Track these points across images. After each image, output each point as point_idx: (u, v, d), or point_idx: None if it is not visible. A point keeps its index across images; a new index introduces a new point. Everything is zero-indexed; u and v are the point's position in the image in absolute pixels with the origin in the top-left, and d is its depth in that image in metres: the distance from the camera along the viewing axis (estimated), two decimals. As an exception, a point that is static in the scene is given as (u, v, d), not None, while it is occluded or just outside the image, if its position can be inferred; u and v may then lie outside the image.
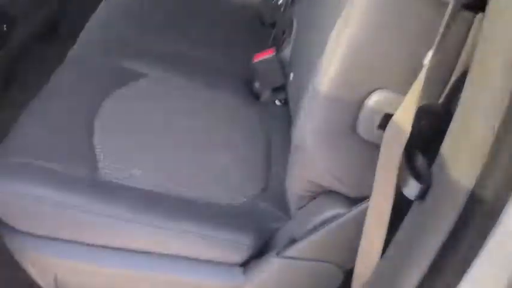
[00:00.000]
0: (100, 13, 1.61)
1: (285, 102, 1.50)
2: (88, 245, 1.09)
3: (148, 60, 1.48)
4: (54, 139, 1.16)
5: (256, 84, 1.55)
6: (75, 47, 1.50)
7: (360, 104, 0.86)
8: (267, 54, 1.44)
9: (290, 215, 1.12)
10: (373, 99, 0.85)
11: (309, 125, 0.91)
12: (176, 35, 1.61)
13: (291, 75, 1.40)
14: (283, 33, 1.60)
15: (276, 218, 1.13)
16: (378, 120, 0.86)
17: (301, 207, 1.06)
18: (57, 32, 2.07)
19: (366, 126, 0.87)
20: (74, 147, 1.15)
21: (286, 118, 1.43)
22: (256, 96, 1.52)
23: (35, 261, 1.12)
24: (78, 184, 1.07)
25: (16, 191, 1.05)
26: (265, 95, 1.52)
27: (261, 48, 1.55)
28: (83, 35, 1.54)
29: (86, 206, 1.05)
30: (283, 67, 1.47)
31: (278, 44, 1.54)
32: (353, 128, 0.88)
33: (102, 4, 1.67)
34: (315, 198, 1.03)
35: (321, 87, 0.86)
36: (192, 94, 1.41)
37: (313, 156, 0.93)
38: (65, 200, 1.04)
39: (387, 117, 0.82)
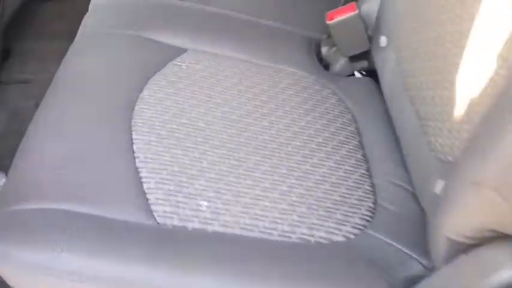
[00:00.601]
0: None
1: (368, 74, 1.16)
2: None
3: (182, 30, 1.13)
4: (81, 166, 0.82)
5: (325, 50, 1.20)
6: (85, 19, 1.14)
7: None
8: (348, 12, 1.07)
9: (418, 254, 0.80)
10: None
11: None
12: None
13: (381, 39, 1.05)
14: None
15: (403, 259, 0.80)
16: None
17: (455, 256, 0.72)
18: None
19: None
20: (110, 177, 0.81)
21: (373, 96, 1.10)
22: (324, 66, 1.18)
23: None
24: (124, 242, 0.73)
25: (29, 260, 0.71)
26: (340, 64, 1.18)
27: (328, 3, 1.19)
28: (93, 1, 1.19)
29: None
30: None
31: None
32: None
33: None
34: (478, 245, 0.69)
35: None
36: (248, 74, 1.07)
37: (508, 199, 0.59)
38: (103, 270, 0.71)
39: None
